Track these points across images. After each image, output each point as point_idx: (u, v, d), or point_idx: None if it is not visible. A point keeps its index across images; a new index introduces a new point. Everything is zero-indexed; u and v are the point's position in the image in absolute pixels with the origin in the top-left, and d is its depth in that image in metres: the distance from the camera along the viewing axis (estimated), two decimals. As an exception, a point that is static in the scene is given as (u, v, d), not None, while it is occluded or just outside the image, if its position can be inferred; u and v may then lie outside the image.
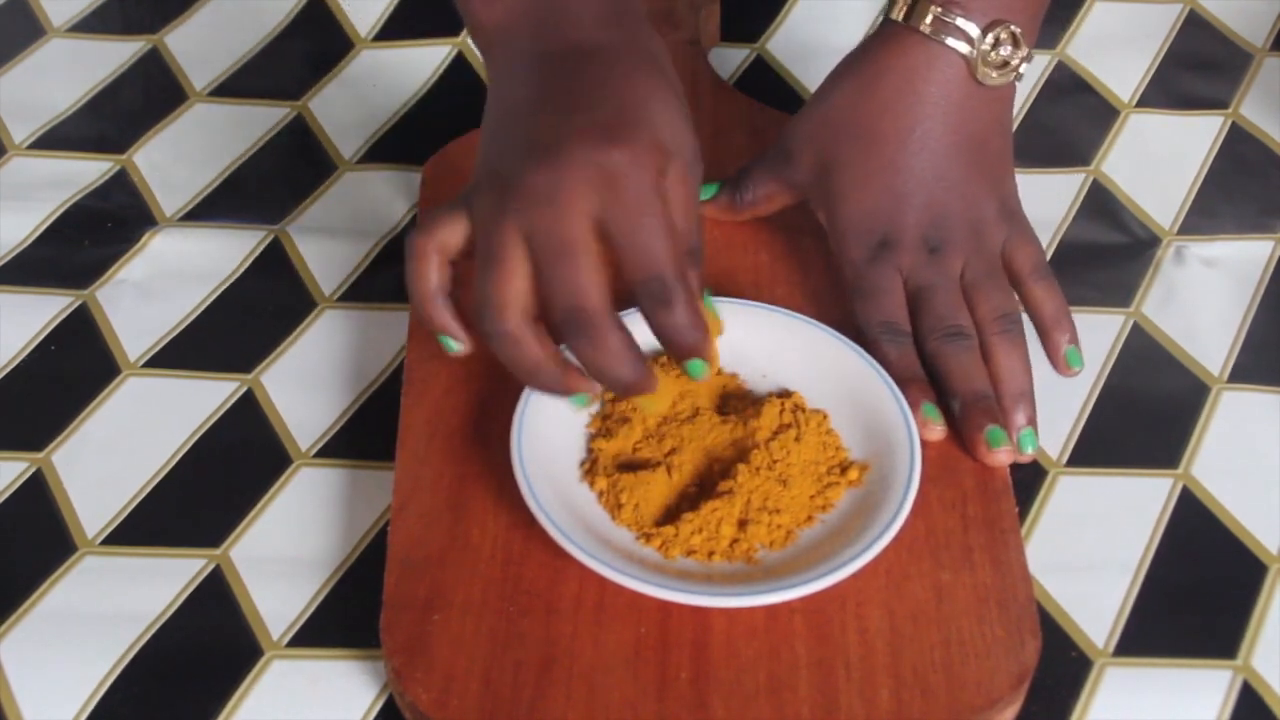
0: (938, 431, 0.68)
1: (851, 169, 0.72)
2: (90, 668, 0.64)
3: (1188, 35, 0.95)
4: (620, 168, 0.58)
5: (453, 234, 0.61)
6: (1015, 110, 0.77)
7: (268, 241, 0.82)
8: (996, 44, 0.70)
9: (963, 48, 0.71)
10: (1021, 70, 0.72)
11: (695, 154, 0.62)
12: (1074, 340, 0.71)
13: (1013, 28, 0.70)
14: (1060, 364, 0.71)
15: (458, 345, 0.62)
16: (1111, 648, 0.65)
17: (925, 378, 0.69)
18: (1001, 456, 0.67)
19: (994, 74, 0.71)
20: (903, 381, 0.68)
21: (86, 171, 0.86)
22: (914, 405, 0.68)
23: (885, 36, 0.72)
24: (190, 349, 0.77)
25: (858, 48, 0.75)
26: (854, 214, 0.72)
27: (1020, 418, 0.68)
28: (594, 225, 0.58)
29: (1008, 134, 0.74)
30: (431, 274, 0.61)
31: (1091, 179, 0.86)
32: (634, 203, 0.58)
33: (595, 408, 0.69)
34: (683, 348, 0.59)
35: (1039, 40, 0.74)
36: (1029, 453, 0.68)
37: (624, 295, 0.59)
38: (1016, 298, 0.72)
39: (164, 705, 0.63)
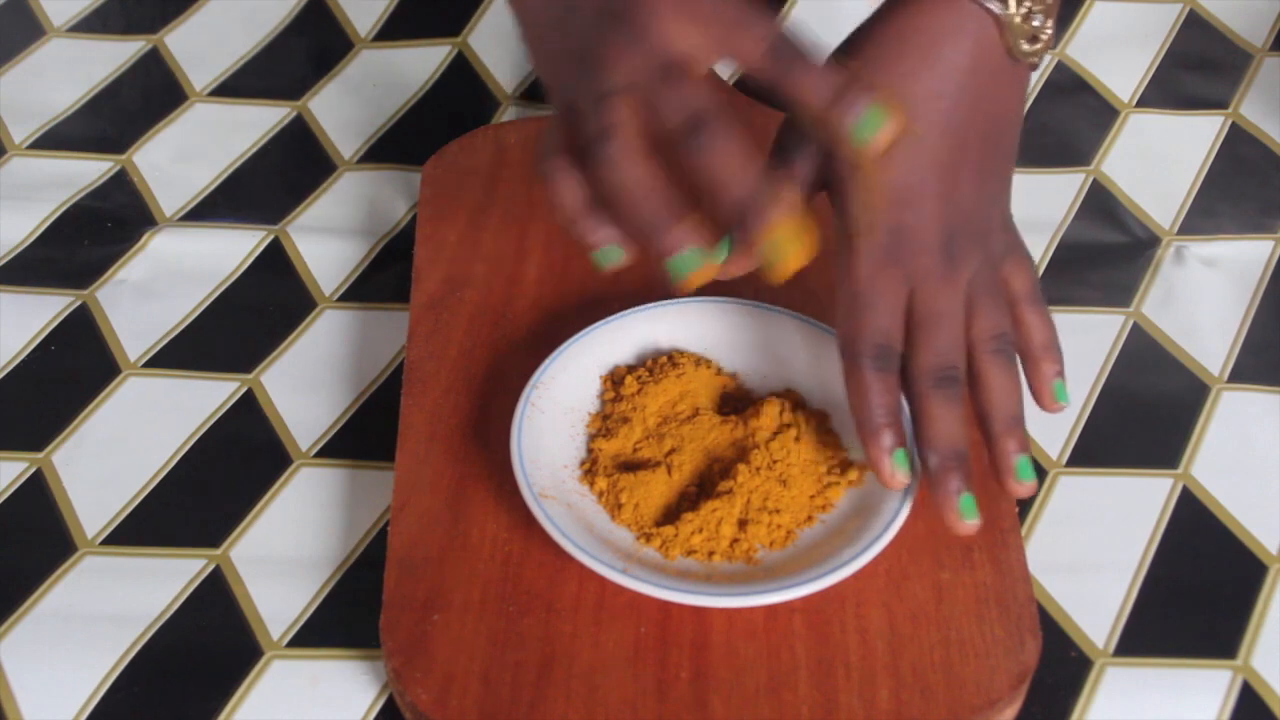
0: (903, 481, 0.62)
1: None
2: (90, 668, 0.64)
3: (1188, 35, 0.95)
4: None
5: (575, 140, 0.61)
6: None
7: (268, 241, 0.82)
8: (1029, 14, 0.65)
9: (996, 8, 0.65)
10: (1046, 53, 0.67)
11: None
12: (1062, 374, 0.66)
13: None
14: (1046, 397, 0.66)
15: (619, 254, 0.61)
16: (1111, 648, 0.65)
17: (902, 420, 0.63)
18: (969, 527, 0.62)
19: (1025, 44, 0.66)
20: (877, 426, 0.62)
21: (86, 171, 0.86)
22: (887, 451, 0.62)
23: None
24: (190, 349, 0.77)
25: (876, 11, 0.68)
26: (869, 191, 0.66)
27: (1012, 443, 0.63)
28: (686, 48, 0.59)
29: (1018, 132, 0.69)
30: (575, 188, 0.60)
31: (1091, 179, 0.86)
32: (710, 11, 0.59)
33: (596, 407, 0.69)
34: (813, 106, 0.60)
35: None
36: (1029, 483, 0.63)
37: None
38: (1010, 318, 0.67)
39: (164, 705, 0.63)
